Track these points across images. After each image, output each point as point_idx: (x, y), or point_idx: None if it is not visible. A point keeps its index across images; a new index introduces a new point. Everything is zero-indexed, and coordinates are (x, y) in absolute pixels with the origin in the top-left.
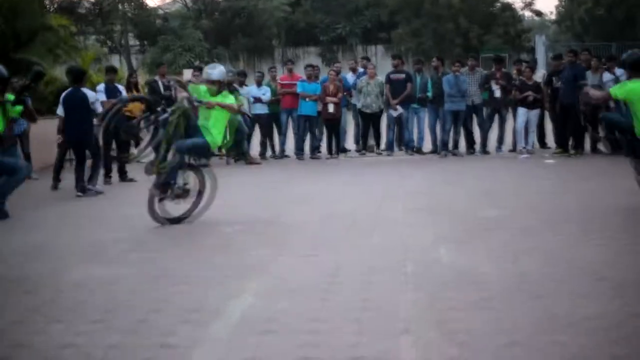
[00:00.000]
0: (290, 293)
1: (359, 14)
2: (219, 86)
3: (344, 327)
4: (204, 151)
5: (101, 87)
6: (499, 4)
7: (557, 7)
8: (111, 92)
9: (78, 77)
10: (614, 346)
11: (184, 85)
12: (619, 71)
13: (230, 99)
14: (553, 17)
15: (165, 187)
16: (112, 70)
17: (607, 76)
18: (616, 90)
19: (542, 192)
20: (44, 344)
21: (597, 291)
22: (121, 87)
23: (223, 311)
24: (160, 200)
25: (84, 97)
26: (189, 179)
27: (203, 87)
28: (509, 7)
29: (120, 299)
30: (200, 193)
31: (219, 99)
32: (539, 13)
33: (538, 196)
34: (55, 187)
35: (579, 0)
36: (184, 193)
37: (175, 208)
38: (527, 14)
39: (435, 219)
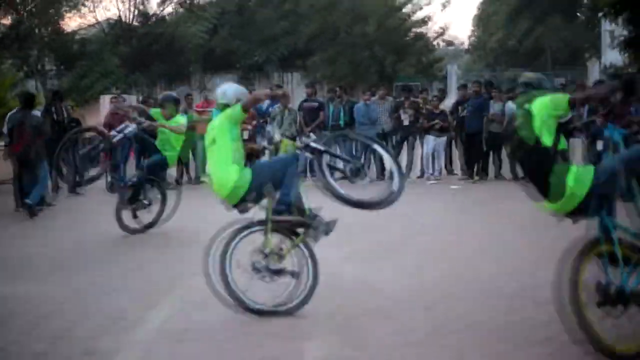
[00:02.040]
0: (205, 305)
1: (276, 41)
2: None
3: (254, 332)
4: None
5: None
6: (412, 34)
7: (469, 37)
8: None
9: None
10: (494, 345)
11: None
12: None
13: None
14: (466, 46)
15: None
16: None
17: (509, 105)
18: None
19: (446, 215)
20: None
21: (487, 300)
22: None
23: (144, 320)
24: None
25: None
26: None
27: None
28: (422, 37)
29: (48, 309)
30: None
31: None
32: (450, 43)
33: (442, 218)
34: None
35: (490, 30)
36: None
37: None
38: (441, 43)
39: (345, 239)
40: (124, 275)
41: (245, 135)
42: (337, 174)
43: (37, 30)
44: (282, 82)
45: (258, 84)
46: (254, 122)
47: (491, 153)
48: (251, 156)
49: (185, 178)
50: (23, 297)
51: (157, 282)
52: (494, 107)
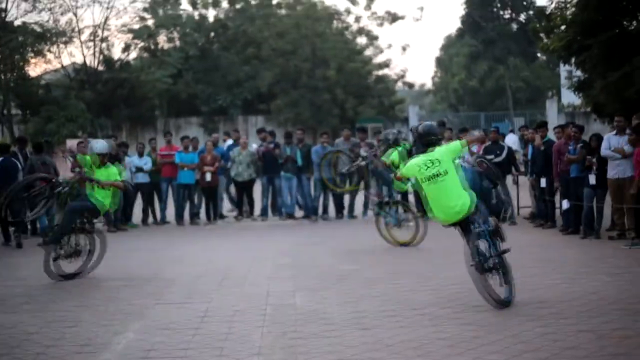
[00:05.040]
0: (165, 330)
1: (240, 85)
2: (103, 158)
3: (209, 352)
4: (92, 212)
5: None
6: (373, 77)
7: (432, 78)
8: None
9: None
10: (416, 358)
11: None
12: None
13: (112, 170)
14: (430, 87)
15: (55, 243)
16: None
17: None
18: (403, 169)
19: (395, 250)
20: None
21: (417, 322)
22: None
23: (110, 344)
24: (55, 259)
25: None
26: (80, 240)
27: (88, 158)
28: (383, 80)
29: (21, 338)
30: (90, 252)
31: (102, 170)
32: (410, 85)
33: (390, 253)
34: None
35: (452, 71)
36: (75, 252)
37: (69, 266)
38: (402, 85)
39: (298, 273)
40: (90, 308)
41: (209, 176)
42: None
43: (2, 76)
44: (247, 125)
45: (223, 127)
46: (217, 164)
47: None
48: None
49: (150, 219)
50: None
51: (121, 312)
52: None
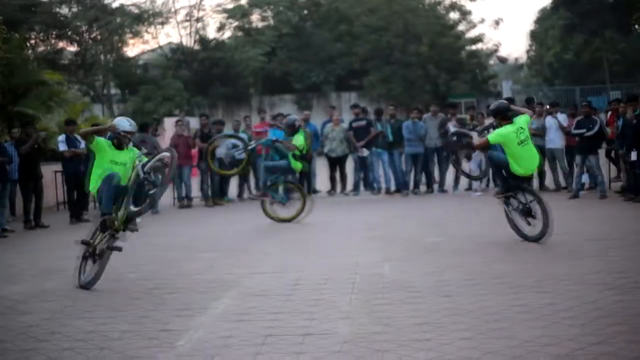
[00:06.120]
0: (259, 296)
1: (332, 62)
2: (125, 139)
3: (299, 316)
4: None
5: (62, 137)
6: (466, 52)
7: (527, 52)
8: (71, 142)
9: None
10: (493, 323)
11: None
12: (560, 116)
13: (136, 154)
14: (523, 62)
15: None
16: (72, 122)
17: (549, 120)
18: (492, 137)
19: (481, 223)
20: (74, 332)
21: (496, 291)
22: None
23: (207, 308)
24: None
25: None
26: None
27: (98, 140)
28: (475, 54)
29: (125, 303)
30: None
31: (124, 153)
32: (503, 59)
33: (476, 226)
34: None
35: (547, 45)
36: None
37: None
38: (495, 60)
39: (387, 244)
40: (188, 277)
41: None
42: None
43: (102, 57)
44: (340, 102)
45: (316, 104)
46: (309, 141)
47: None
48: None
49: (246, 194)
50: (105, 291)
51: (217, 281)
52: (534, 122)
